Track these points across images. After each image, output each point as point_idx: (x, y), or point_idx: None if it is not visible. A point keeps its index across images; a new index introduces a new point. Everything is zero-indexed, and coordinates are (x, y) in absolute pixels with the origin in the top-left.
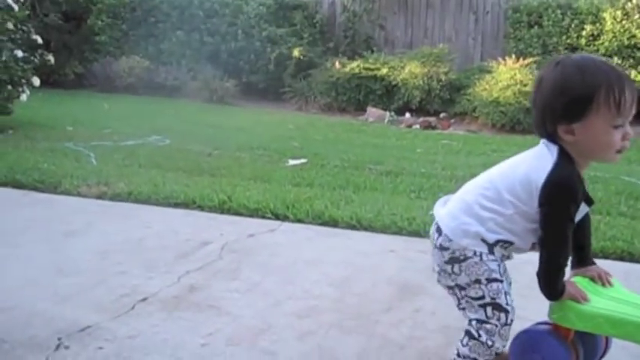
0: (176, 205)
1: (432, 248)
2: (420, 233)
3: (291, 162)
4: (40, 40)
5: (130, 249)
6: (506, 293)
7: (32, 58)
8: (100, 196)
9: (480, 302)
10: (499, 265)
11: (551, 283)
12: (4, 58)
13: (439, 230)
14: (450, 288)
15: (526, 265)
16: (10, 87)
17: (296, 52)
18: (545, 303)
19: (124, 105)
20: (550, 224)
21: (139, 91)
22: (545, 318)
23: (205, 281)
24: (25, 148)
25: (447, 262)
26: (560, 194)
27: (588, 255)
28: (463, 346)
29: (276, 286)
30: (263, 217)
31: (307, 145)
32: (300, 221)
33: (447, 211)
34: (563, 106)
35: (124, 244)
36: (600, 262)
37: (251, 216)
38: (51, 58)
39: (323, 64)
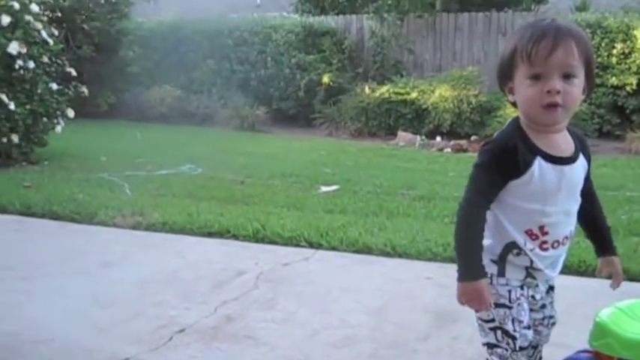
0: (210, 235)
1: None
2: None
3: (324, 188)
4: (74, 73)
5: (166, 279)
6: (514, 320)
7: (67, 90)
8: (135, 227)
9: (490, 325)
10: (510, 291)
11: (455, 237)
12: (39, 91)
13: None
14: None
15: (564, 290)
16: (45, 119)
17: (325, 79)
18: (585, 330)
19: (156, 134)
20: (470, 176)
21: (171, 120)
22: (585, 345)
23: (242, 311)
24: (61, 179)
25: None
26: (485, 149)
27: (607, 241)
28: None
29: (313, 315)
30: (297, 245)
31: (339, 171)
32: (334, 249)
33: None
34: (498, 68)
35: (160, 274)
36: None
37: (285, 244)
38: (85, 90)
39: (352, 90)
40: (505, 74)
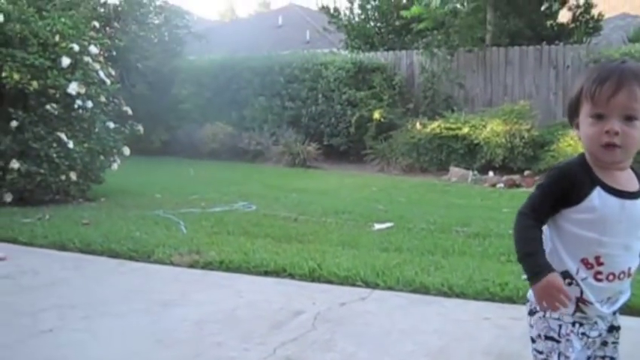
0: (266, 274)
1: None
2: (513, 299)
3: (377, 226)
4: (130, 112)
5: (225, 319)
6: (560, 354)
7: (123, 128)
8: (192, 265)
9: (540, 357)
10: (560, 326)
11: (515, 247)
12: (97, 130)
13: None
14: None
15: (628, 331)
16: (102, 157)
17: (376, 114)
18: None
19: (209, 171)
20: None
21: (223, 157)
22: None
23: (301, 353)
24: (118, 216)
25: (528, 314)
26: (548, 173)
27: None
28: None
29: (372, 356)
30: (353, 284)
31: (392, 208)
32: (390, 289)
33: None
34: (568, 104)
35: (218, 314)
36: None
37: (341, 284)
38: (141, 128)
39: (404, 125)
40: (573, 110)
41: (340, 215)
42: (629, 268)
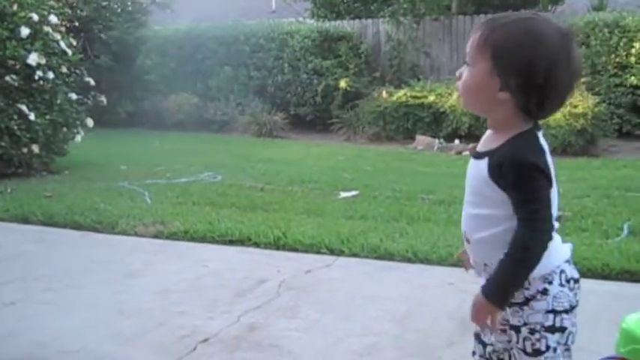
0: (231, 243)
1: None
2: None
3: (343, 194)
4: (92, 82)
5: (189, 288)
6: None
7: (86, 100)
8: (157, 236)
9: None
10: None
11: (528, 262)
12: (59, 101)
13: None
14: None
15: (589, 295)
16: (65, 129)
17: (342, 83)
18: (611, 336)
19: (175, 142)
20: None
21: (189, 128)
22: (612, 352)
23: (265, 320)
24: (82, 188)
25: None
26: (535, 153)
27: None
28: None
29: (336, 323)
30: (318, 252)
31: (358, 177)
32: (355, 255)
33: None
34: None
35: (182, 283)
36: None
37: (306, 251)
38: (104, 99)
39: (370, 94)
40: None
41: (306, 184)
42: (465, 232)
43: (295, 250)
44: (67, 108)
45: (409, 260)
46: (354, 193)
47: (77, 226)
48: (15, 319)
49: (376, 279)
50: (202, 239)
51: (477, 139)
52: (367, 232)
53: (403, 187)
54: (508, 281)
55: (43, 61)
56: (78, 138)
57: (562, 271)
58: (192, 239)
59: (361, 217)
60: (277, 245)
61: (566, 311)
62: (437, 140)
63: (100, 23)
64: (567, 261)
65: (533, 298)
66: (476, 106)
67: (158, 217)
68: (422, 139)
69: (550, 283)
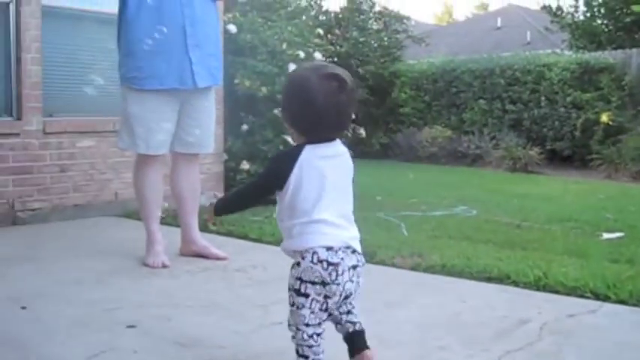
0: (490, 280)
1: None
2: None
3: (606, 235)
4: (353, 116)
5: (448, 323)
6: None
7: (346, 132)
8: (414, 268)
9: None
10: None
11: None
12: None
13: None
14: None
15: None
16: None
17: (604, 117)
18: None
19: (428, 174)
20: None
21: (442, 161)
22: None
23: None
24: None
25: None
26: None
27: None
28: None
29: None
30: (582, 296)
31: (621, 217)
32: (622, 302)
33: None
34: None
35: (441, 317)
36: None
37: (568, 294)
38: (362, 131)
39: (634, 129)
40: None
41: (565, 223)
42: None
43: (556, 292)
44: None
45: None
46: (618, 234)
47: None
48: (283, 338)
49: None
50: (460, 274)
51: None
52: (636, 277)
53: None
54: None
55: None
56: None
57: (315, 253)
58: (450, 274)
59: (627, 261)
60: (537, 286)
61: (313, 283)
62: None
63: (357, 58)
64: (327, 248)
65: (292, 267)
66: None
67: (415, 249)
68: None
69: (303, 259)
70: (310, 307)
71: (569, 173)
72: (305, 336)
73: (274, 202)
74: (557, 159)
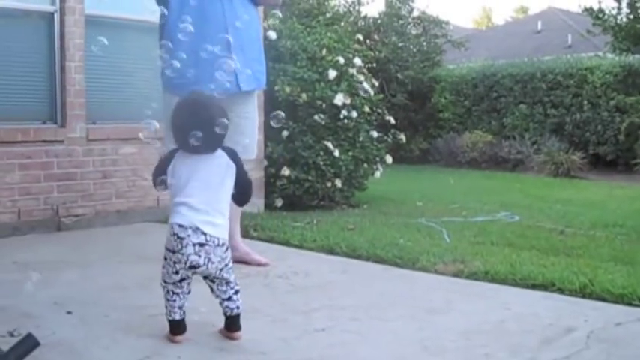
0: (534, 287)
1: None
2: None
3: None
4: (392, 121)
5: (492, 330)
6: None
7: (386, 137)
8: (457, 274)
9: None
10: None
11: None
12: (361, 139)
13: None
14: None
15: None
16: (365, 165)
17: None
18: None
19: (469, 180)
20: None
21: (482, 166)
22: None
23: None
24: (381, 223)
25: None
26: None
27: None
28: None
29: None
30: (629, 304)
31: None
32: None
33: None
34: None
35: (485, 324)
36: None
37: (615, 302)
38: (403, 137)
39: None
40: None
41: (610, 229)
42: None
43: (603, 299)
44: (369, 145)
45: None
46: None
47: (379, 260)
48: (325, 345)
49: None
50: (503, 281)
51: None
52: None
53: None
54: None
55: (348, 101)
56: (377, 174)
57: (172, 226)
58: (493, 280)
59: None
60: (583, 293)
61: (168, 250)
62: None
63: (396, 64)
64: (179, 225)
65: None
66: None
67: (458, 255)
68: None
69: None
70: (166, 268)
71: (612, 178)
72: (165, 290)
73: (314, 208)
74: (601, 164)
